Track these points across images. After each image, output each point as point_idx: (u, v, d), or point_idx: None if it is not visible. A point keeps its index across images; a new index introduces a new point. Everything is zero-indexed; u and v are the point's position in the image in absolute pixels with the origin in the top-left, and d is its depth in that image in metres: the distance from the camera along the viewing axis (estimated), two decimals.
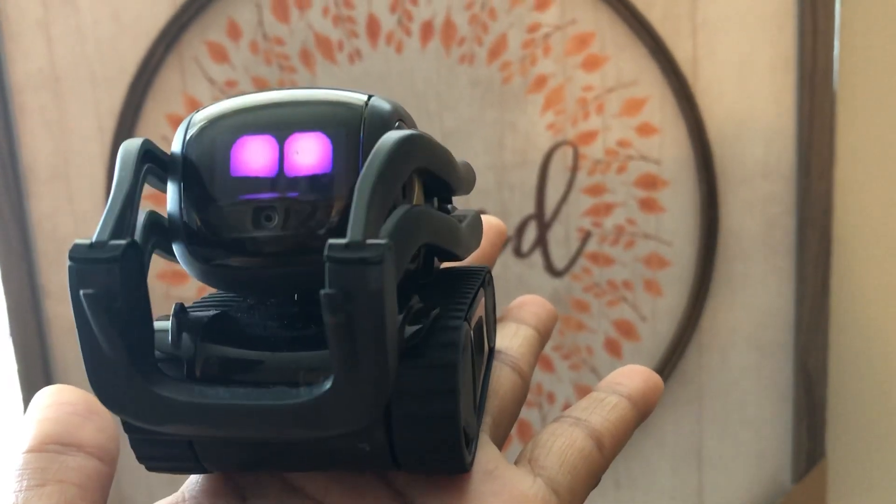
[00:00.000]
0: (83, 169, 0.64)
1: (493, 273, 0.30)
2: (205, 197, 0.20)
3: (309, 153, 0.20)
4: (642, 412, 0.27)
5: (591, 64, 0.63)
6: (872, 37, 0.63)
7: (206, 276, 0.21)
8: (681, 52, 0.62)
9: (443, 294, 0.23)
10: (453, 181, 0.24)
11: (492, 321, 0.28)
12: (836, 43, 0.62)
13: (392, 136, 0.19)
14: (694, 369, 0.67)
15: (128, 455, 0.23)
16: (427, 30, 0.63)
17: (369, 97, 0.21)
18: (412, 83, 0.63)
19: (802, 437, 0.67)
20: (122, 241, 0.18)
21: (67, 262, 0.18)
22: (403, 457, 0.21)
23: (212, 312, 0.21)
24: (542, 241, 0.65)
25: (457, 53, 0.63)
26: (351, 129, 0.20)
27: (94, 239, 0.18)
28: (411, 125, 0.22)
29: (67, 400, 0.24)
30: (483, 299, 0.26)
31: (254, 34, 0.62)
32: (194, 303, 0.23)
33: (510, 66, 0.63)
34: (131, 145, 0.20)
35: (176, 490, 0.24)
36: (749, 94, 0.63)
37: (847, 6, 0.62)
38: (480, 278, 0.26)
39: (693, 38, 0.62)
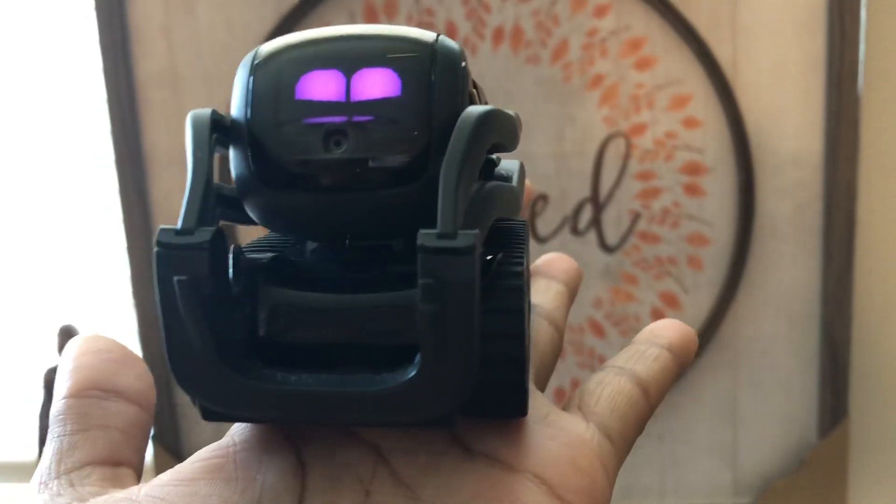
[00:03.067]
0: None
1: (553, 249, 0.31)
2: (272, 123, 0.19)
3: (379, 82, 0.19)
4: (682, 363, 0.27)
5: (643, 64, 0.71)
6: (894, 42, 0.70)
7: (273, 213, 0.20)
8: (722, 55, 0.70)
9: (495, 244, 0.23)
10: (511, 146, 0.23)
11: (529, 274, 0.27)
12: (862, 46, 0.68)
13: (472, 115, 0.19)
14: (731, 337, 0.74)
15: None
16: (498, 35, 0.71)
17: (437, 35, 0.21)
18: (484, 81, 0.72)
19: (827, 398, 0.73)
20: (211, 228, 0.18)
21: (154, 248, 0.18)
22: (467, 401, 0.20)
23: (269, 255, 0.21)
24: (596, 221, 0.74)
25: (524, 55, 0.72)
26: (423, 62, 0.20)
27: (180, 225, 0.18)
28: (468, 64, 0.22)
29: (103, 348, 0.24)
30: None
31: None
32: (246, 245, 0.23)
33: (571, 66, 0.71)
34: (201, 118, 0.20)
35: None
36: (783, 92, 0.70)
37: (872, 13, 0.69)
38: (524, 230, 0.25)
39: (733, 42, 0.70)
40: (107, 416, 0.22)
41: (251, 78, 0.20)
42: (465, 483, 0.21)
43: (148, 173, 0.74)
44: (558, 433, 0.23)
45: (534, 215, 0.72)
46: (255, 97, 0.20)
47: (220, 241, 0.18)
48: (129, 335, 0.76)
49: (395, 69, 0.19)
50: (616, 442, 0.24)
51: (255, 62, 0.20)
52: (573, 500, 0.21)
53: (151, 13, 0.72)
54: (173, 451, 0.76)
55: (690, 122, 0.71)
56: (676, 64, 0.70)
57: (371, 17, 0.71)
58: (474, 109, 0.19)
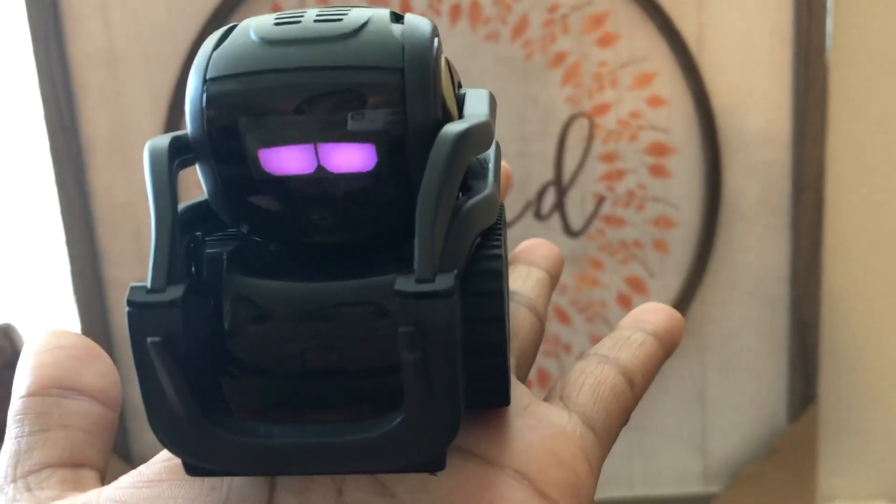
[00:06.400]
0: (138, 142, 0.69)
1: (515, 235, 0.29)
2: (237, 143, 0.19)
3: (351, 150, 0.18)
4: (668, 349, 0.26)
5: (606, 41, 0.68)
6: (861, 17, 0.68)
7: (245, 223, 0.20)
8: (687, 31, 0.68)
9: None
10: (487, 149, 0.22)
11: (507, 260, 0.26)
12: (829, 22, 0.67)
13: (447, 140, 0.18)
14: (698, 321, 0.73)
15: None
16: (455, 11, 0.68)
17: (404, 45, 0.19)
18: None
19: (797, 382, 0.73)
20: (182, 284, 0.18)
21: (126, 308, 0.18)
22: None
23: (233, 244, 0.20)
24: (560, 205, 0.71)
25: (483, 32, 0.68)
26: (392, 80, 0.18)
27: (149, 284, 0.18)
28: (440, 43, 0.20)
29: (65, 344, 0.23)
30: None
31: None
32: (208, 237, 0.22)
33: (532, 44, 0.68)
34: (158, 152, 0.18)
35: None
36: (749, 69, 0.68)
37: None
38: (502, 214, 0.24)
39: (698, 18, 0.68)
40: (68, 416, 0.21)
41: (205, 122, 0.19)
42: (442, 479, 0.20)
43: (87, 162, 0.69)
44: (539, 425, 0.22)
45: None
46: (213, 141, 0.19)
47: (192, 296, 0.18)
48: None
49: (364, 136, 0.18)
50: (599, 433, 0.23)
51: (206, 100, 0.19)
52: (555, 494, 0.20)
53: None
54: (122, 454, 0.72)
55: (655, 101, 0.69)
56: (640, 40, 0.68)
57: None
58: (449, 133, 0.18)
